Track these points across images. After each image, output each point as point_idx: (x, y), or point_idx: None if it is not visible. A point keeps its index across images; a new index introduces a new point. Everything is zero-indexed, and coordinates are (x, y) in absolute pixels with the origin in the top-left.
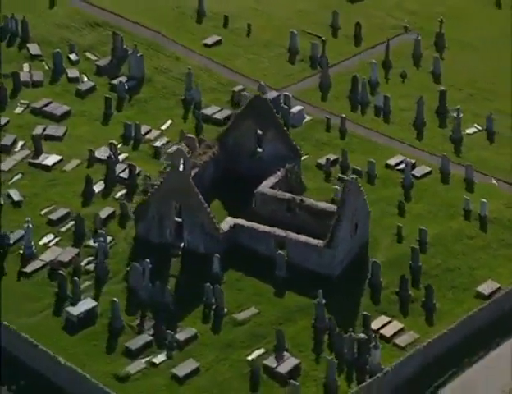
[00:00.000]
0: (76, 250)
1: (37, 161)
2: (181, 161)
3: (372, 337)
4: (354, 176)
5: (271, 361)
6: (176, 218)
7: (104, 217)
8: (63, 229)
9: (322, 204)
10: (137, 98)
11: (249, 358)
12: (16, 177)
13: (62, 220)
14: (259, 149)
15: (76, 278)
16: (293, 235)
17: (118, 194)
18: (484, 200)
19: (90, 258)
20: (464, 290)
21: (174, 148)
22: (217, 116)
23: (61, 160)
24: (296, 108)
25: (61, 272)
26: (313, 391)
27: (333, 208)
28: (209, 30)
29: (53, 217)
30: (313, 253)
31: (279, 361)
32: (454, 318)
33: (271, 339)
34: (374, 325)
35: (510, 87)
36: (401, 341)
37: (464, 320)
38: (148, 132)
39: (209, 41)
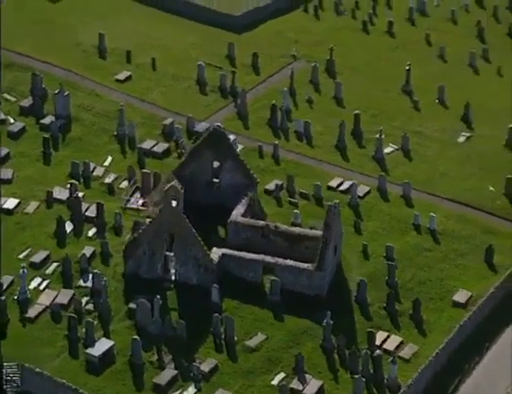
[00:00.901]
0: (71, 292)
1: None
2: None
3: (391, 353)
4: (337, 201)
5: (296, 384)
6: (167, 252)
7: (88, 257)
8: (48, 271)
9: (296, 229)
10: (70, 137)
11: (274, 383)
12: None
13: (44, 263)
14: (216, 180)
15: (90, 319)
16: (281, 260)
17: (90, 233)
18: (433, 214)
19: (86, 298)
20: (441, 300)
21: (171, 184)
22: (156, 149)
23: (19, 203)
24: (231, 137)
25: (71, 314)
26: None
27: (306, 232)
28: (116, 66)
29: (35, 259)
30: (303, 276)
31: (303, 384)
32: (442, 327)
33: (286, 363)
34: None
35: (398, 106)
36: (405, 353)
37: (458, 329)
38: (93, 169)
39: (121, 77)
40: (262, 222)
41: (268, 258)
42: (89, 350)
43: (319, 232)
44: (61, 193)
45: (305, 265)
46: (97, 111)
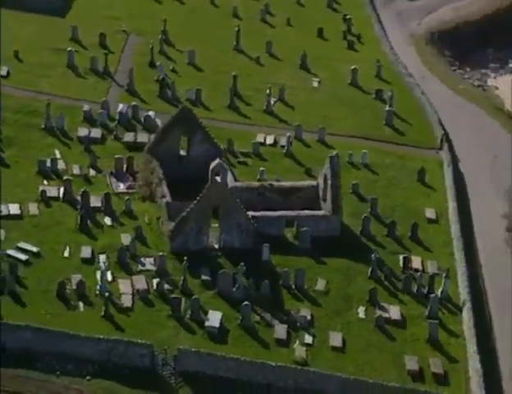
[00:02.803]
0: (142, 277)
1: None
2: (220, 173)
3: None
4: (335, 153)
5: (382, 313)
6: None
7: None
8: (101, 264)
9: (287, 184)
10: (5, 137)
11: (361, 316)
12: None
13: (93, 256)
14: (182, 153)
15: (195, 296)
16: (301, 212)
17: (108, 222)
18: (365, 151)
19: (157, 280)
20: (418, 219)
21: (216, 162)
22: (94, 135)
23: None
24: (151, 113)
25: (175, 296)
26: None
27: (296, 184)
28: None
29: (85, 255)
30: (322, 222)
31: (387, 311)
32: (436, 240)
33: (356, 297)
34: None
35: (244, 64)
36: (432, 269)
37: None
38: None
39: (3, 73)
40: (256, 183)
41: (290, 213)
42: (208, 323)
43: (306, 183)
44: (53, 191)
45: (322, 212)
46: (12, 108)
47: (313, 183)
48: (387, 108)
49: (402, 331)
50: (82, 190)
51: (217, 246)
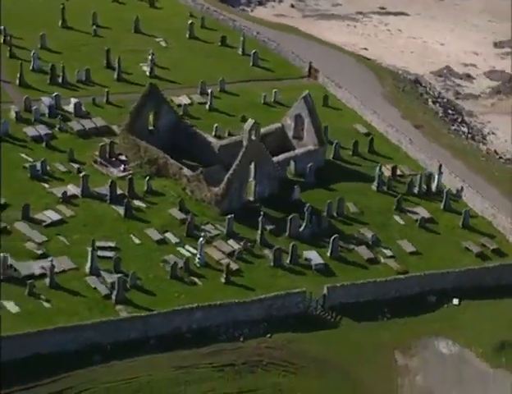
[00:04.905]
0: (223, 242)
1: None
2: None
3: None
4: (305, 92)
5: (418, 214)
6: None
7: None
8: (175, 240)
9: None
10: None
11: (402, 223)
12: None
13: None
14: (151, 127)
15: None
16: (297, 151)
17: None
18: (276, 90)
19: (244, 241)
20: None
21: (250, 122)
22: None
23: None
24: (76, 100)
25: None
26: None
27: (264, 131)
28: None
29: (155, 236)
30: (313, 155)
31: (418, 213)
32: (385, 151)
33: (385, 208)
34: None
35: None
36: (409, 171)
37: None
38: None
39: None
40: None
41: (289, 154)
42: (314, 262)
43: (273, 126)
44: (72, 189)
45: (311, 147)
46: None
47: (279, 125)
48: (252, 52)
49: (437, 225)
50: (109, 181)
51: (252, 199)
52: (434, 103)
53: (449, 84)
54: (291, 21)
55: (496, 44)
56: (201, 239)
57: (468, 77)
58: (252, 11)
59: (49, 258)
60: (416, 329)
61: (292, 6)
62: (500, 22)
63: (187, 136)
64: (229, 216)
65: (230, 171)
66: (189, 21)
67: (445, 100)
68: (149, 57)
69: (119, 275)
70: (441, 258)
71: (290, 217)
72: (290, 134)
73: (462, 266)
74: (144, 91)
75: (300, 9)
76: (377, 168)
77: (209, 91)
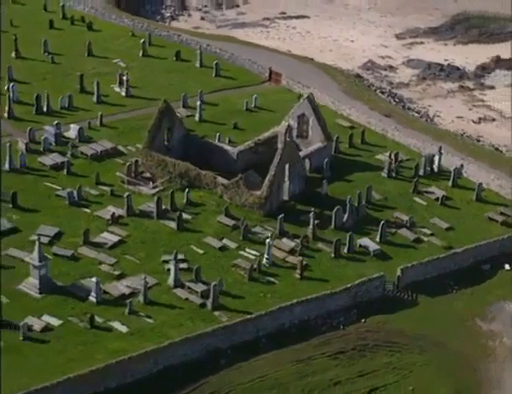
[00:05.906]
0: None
1: None
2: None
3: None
4: (307, 94)
5: (435, 194)
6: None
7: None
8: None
9: (265, 135)
10: None
11: (425, 203)
12: None
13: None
14: (166, 143)
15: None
16: (310, 149)
17: (187, 216)
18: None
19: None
20: None
21: (284, 124)
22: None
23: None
24: (76, 126)
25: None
26: None
27: (270, 134)
28: None
29: (211, 242)
30: (323, 151)
31: (434, 193)
32: (371, 138)
33: (403, 191)
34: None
35: None
36: (404, 157)
37: None
38: None
39: None
40: (249, 143)
41: (306, 152)
42: (371, 249)
43: (277, 129)
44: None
45: (320, 144)
46: None
47: (286, 125)
48: (214, 63)
49: (454, 201)
50: (168, 196)
51: (286, 198)
52: (382, 93)
53: (378, 76)
54: (211, 32)
55: (397, 36)
56: (269, 240)
57: (391, 68)
58: (169, 25)
59: (142, 276)
60: (484, 296)
61: (202, 18)
62: (391, 16)
63: (200, 147)
64: (280, 216)
65: (271, 173)
66: (142, 40)
67: (387, 90)
68: (124, 78)
69: (213, 283)
70: (473, 230)
71: (334, 211)
72: (294, 133)
73: (494, 235)
74: (160, 108)
75: (211, 20)
76: (387, 156)
77: (198, 103)
